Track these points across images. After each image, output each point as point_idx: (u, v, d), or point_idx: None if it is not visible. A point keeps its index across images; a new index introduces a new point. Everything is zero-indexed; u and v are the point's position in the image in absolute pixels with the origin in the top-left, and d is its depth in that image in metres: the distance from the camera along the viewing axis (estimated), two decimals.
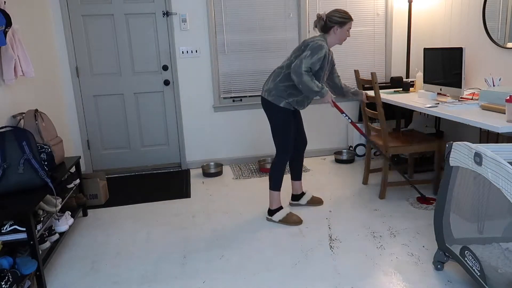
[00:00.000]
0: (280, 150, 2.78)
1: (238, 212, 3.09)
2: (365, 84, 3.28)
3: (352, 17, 2.70)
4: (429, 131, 3.78)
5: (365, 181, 3.53)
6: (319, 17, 2.70)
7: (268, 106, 2.74)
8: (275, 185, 2.84)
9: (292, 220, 2.81)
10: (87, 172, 4.05)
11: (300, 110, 2.98)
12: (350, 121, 2.98)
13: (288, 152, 2.79)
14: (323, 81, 2.75)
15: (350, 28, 2.71)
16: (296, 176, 3.09)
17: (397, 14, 4.26)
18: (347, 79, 4.31)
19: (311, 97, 2.75)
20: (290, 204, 3.15)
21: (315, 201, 3.13)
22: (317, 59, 2.55)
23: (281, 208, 2.86)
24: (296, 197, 3.13)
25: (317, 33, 2.79)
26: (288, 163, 3.09)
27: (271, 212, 2.86)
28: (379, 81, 4.35)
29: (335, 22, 2.65)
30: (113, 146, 4.15)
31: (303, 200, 3.11)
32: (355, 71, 3.33)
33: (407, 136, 3.31)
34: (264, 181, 3.76)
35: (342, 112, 2.90)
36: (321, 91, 2.59)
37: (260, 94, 4.21)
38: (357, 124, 4.19)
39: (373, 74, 3.01)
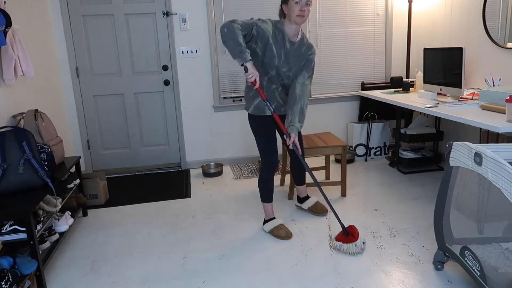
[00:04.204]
0: (262, 161, 2.60)
1: (238, 212, 3.09)
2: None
3: None
4: (429, 131, 3.78)
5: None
6: None
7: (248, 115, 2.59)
8: (264, 198, 2.69)
9: (278, 234, 2.62)
10: (87, 172, 4.05)
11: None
12: (272, 111, 2.44)
13: (269, 166, 2.57)
14: (280, 79, 2.44)
15: (296, 1, 2.27)
16: (299, 181, 2.96)
17: (397, 14, 4.26)
18: (346, 79, 4.31)
19: (275, 93, 2.45)
20: (296, 206, 3.10)
21: (318, 209, 2.92)
22: (251, 23, 2.29)
23: (272, 219, 2.71)
24: (300, 200, 3.02)
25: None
26: (289, 168, 2.98)
27: (264, 221, 2.74)
28: (379, 81, 4.35)
29: (282, 1, 2.39)
30: (113, 146, 4.15)
31: (306, 205, 2.97)
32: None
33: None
34: None
35: (263, 97, 2.41)
36: (244, 52, 2.20)
37: None
38: (358, 124, 4.19)
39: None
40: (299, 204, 3.04)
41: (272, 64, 2.39)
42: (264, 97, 2.38)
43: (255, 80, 2.27)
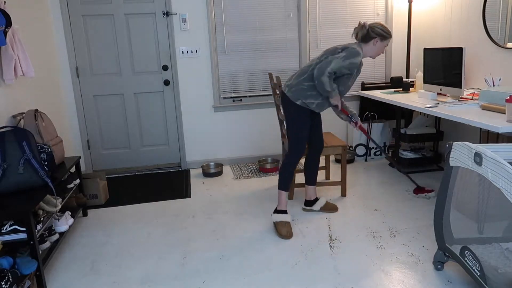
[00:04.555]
0: (291, 150, 2.72)
1: (238, 212, 3.09)
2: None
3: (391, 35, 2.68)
4: (429, 131, 3.78)
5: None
6: (361, 25, 2.64)
7: (284, 101, 2.71)
8: (283, 185, 2.76)
9: (280, 230, 2.67)
10: (87, 172, 4.05)
11: (319, 113, 2.89)
12: (355, 124, 2.89)
13: (298, 152, 2.72)
14: (347, 89, 2.73)
15: (387, 45, 2.70)
16: (310, 180, 3.00)
17: (397, 14, 4.26)
18: None
19: (329, 101, 2.69)
20: (303, 210, 3.05)
21: (329, 208, 3.01)
22: (349, 63, 2.51)
23: (284, 212, 2.76)
24: (309, 203, 3.03)
25: (353, 40, 2.73)
26: (303, 166, 3.04)
27: (275, 210, 2.81)
28: (379, 81, 4.35)
29: (378, 34, 2.61)
30: (113, 146, 4.15)
31: (316, 206, 3.00)
32: (269, 73, 3.21)
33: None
34: (264, 181, 3.76)
35: (346, 114, 2.88)
36: (333, 92, 2.57)
37: (260, 93, 4.24)
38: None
39: (277, 77, 2.94)
40: (308, 208, 3.03)
41: (349, 83, 2.69)
42: (347, 113, 2.87)
43: (341, 104, 2.77)
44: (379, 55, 2.72)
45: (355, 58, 2.51)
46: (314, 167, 2.98)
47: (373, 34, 2.61)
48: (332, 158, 4.35)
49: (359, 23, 2.66)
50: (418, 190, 3.21)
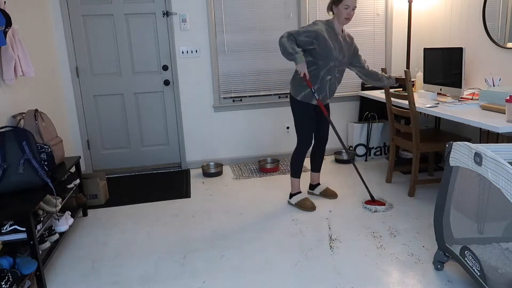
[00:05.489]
0: (299, 141, 3.00)
1: (238, 212, 3.09)
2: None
3: None
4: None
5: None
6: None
7: (291, 99, 2.98)
8: (294, 173, 3.09)
9: (305, 205, 3.03)
10: (87, 172, 4.05)
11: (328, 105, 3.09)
12: (317, 98, 2.89)
13: (305, 143, 2.99)
14: (337, 68, 2.85)
15: (348, 5, 2.70)
16: (315, 168, 3.28)
17: (397, 14, 4.26)
18: (346, 79, 4.31)
19: (327, 84, 2.87)
20: (308, 192, 3.37)
21: (329, 193, 3.26)
22: (304, 30, 2.72)
23: (299, 192, 3.12)
24: (312, 187, 3.34)
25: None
26: (310, 154, 3.30)
27: (290, 195, 3.14)
28: None
29: (331, 1, 2.80)
30: (113, 146, 4.15)
31: (317, 190, 3.30)
32: (382, 69, 3.28)
33: (433, 135, 3.30)
34: (264, 181, 3.76)
35: (310, 87, 2.85)
36: (295, 55, 2.71)
37: (259, 94, 4.24)
38: (358, 124, 4.19)
39: (406, 72, 2.95)
40: (311, 191, 3.36)
41: (331, 55, 2.79)
42: (311, 86, 2.84)
43: (305, 74, 2.77)
44: (348, 19, 2.75)
45: (310, 27, 2.75)
46: (319, 157, 3.23)
47: (329, 4, 2.82)
48: (332, 158, 4.34)
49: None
50: (370, 202, 3.07)
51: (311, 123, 2.97)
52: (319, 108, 2.97)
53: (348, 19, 2.75)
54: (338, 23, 2.80)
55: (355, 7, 2.73)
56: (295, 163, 3.07)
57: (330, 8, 2.82)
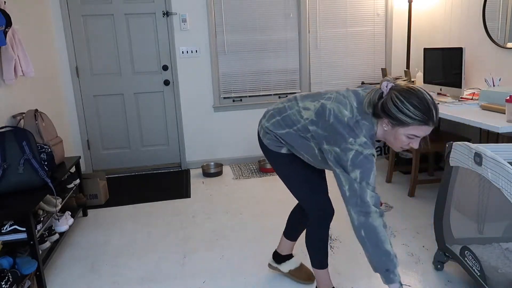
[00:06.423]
0: (310, 210, 1.82)
1: (238, 212, 3.09)
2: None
3: (432, 119, 1.44)
4: None
5: None
6: (380, 86, 1.55)
7: (264, 149, 1.85)
8: (319, 262, 1.89)
9: None
10: (87, 172, 4.05)
11: None
12: None
13: (317, 208, 1.81)
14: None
15: (415, 136, 1.48)
16: (290, 233, 2.11)
17: (397, 14, 4.26)
18: (346, 79, 4.31)
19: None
20: (269, 266, 2.24)
21: (303, 275, 2.14)
22: (374, 177, 1.52)
23: None
24: (279, 258, 2.17)
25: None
26: (291, 212, 2.13)
27: None
28: (379, 82, 4.34)
29: (389, 113, 1.47)
30: (113, 146, 4.15)
31: (286, 267, 2.15)
32: (382, 69, 3.25)
33: (433, 135, 3.29)
34: (264, 181, 3.76)
35: None
36: (396, 265, 1.49)
37: (259, 94, 4.24)
38: None
39: (406, 72, 2.83)
40: (275, 265, 2.19)
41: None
42: None
43: None
44: (400, 148, 1.56)
45: (371, 165, 1.52)
46: (303, 220, 2.06)
47: (383, 111, 1.49)
48: None
49: (383, 79, 1.56)
50: None
51: (317, 178, 1.88)
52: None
53: (404, 149, 1.57)
54: (380, 136, 1.58)
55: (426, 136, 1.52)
56: (316, 247, 1.87)
57: (377, 114, 1.52)
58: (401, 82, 1.51)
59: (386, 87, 1.50)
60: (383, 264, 1.48)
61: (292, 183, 1.83)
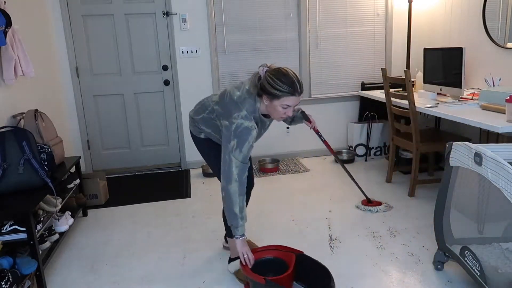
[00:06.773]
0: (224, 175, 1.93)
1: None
2: (392, 82, 3.25)
3: (296, 90, 1.82)
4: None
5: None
6: (258, 71, 1.91)
7: (191, 135, 2.25)
8: (229, 231, 2.11)
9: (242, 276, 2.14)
10: (87, 172, 4.05)
11: None
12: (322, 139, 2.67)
13: (242, 163, 1.90)
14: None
15: (288, 105, 1.85)
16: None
17: (397, 14, 4.26)
18: (346, 79, 4.31)
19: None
20: (224, 247, 2.50)
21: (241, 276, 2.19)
22: (249, 147, 1.86)
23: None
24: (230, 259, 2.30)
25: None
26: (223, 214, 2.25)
27: (230, 260, 2.27)
28: (379, 81, 4.35)
29: (264, 89, 1.85)
30: (113, 146, 4.15)
31: (232, 266, 2.26)
32: (382, 69, 3.26)
33: (433, 135, 3.29)
34: (264, 181, 3.76)
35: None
36: (240, 222, 1.90)
37: None
38: (358, 124, 4.19)
39: (406, 72, 2.87)
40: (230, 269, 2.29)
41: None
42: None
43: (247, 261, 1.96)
44: (279, 118, 1.93)
45: (250, 137, 1.86)
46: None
47: (261, 88, 1.87)
48: (332, 158, 4.34)
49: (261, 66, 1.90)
50: (366, 203, 3.04)
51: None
52: None
53: (281, 118, 1.93)
54: (264, 111, 1.95)
55: (296, 105, 1.91)
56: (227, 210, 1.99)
57: (259, 93, 1.89)
58: (273, 66, 1.89)
59: (262, 70, 1.88)
60: (231, 220, 1.91)
61: (210, 159, 2.21)
